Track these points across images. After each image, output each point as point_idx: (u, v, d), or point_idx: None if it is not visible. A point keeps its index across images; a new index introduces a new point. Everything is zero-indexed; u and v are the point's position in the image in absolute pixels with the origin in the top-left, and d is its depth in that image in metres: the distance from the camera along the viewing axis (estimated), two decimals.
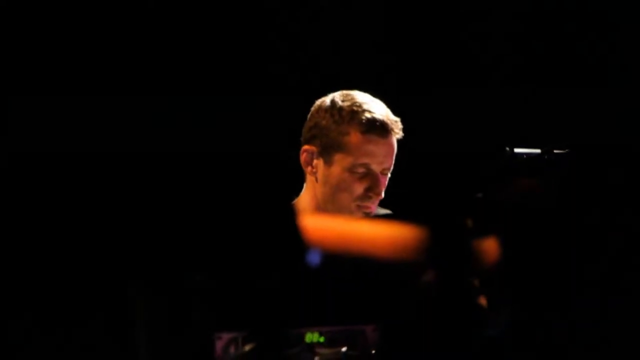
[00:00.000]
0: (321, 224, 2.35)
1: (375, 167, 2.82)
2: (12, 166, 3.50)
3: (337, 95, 2.88)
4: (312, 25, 4.02)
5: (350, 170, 2.82)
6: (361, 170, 2.82)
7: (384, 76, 3.81)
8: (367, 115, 2.82)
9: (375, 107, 2.85)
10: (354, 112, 2.83)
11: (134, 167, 3.64)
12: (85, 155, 3.62)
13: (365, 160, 2.82)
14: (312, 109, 2.92)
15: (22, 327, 2.87)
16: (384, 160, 2.83)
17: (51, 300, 2.77)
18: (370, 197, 2.83)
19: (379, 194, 2.82)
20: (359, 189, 2.82)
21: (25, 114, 3.59)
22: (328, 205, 2.85)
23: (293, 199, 2.95)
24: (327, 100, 2.89)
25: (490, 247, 2.22)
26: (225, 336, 2.13)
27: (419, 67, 4.10)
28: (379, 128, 2.82)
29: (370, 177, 2.82)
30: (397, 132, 2.84)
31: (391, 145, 2.84)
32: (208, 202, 2.36)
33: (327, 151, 2.84)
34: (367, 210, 2.83)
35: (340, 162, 2.83)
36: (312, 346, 2.15)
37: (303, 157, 2.88)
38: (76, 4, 3.68)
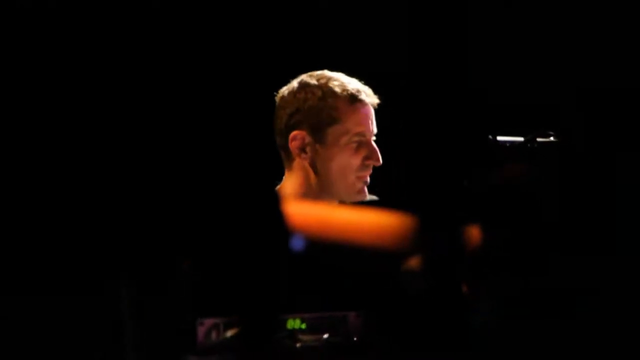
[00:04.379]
0: (306, 211, 2.35)
1: (368, 135, 2.86)
2: None
3: (305, 78, 2.90)
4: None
5: (347, 143, 2.84)
6: (356, 140, 2.85)
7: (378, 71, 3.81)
8: (349, 86, 2.86)
9: (349, 79, 2.90)
10: (335, 87, 2.86)
11: (115, 158, 3.63)
12: (66, 144, 3.61)
13: (359, 129, 2.85)
14: (283, 97, 2.90)
15: (7, 321, 2.86)
16: (371, 125, 2.88)
17: (36, 292, 2.76)
18: (368, 167, 2.87)
19: (378, 160, 2.87)
20: (357, 160, 2.85)
21: None
22: (325, 187, 2.85)
23: (276, 185, 2.94)
24: (294, 85, 2.89)
25: (474, 235, 2.22)
26: (207, 322, 2.13)
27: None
28: (362, 95, 2.87)
29: (365, 147, 2.86)
30: (375, 97, 2.90)
31: (372, 111, 2.90)
32: (191, 190, 2.35)
33: (319, 130, 2.85)
34: (366, 180, 2.87)
35: (335, 137, 2.85)
36: (293, 332, 2.14)
37: (294, 144, 2.87)
38: None
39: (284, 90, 2.91)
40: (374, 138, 2.89)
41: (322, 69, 2.94)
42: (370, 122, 2.88)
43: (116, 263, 2.34)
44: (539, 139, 2.38)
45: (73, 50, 3.69)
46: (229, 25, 3.95)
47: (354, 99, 2.85)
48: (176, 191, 2.37)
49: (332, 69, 2.94)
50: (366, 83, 2.92)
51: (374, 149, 2.86)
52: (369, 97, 2.88)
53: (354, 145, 2.85)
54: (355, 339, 2.15)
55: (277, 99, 2.92)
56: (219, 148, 3.85)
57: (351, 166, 2.85)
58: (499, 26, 4.10)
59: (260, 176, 3.36)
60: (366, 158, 2.86)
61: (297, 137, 2.87)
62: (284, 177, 2.93)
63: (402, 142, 2.97)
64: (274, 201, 2.27)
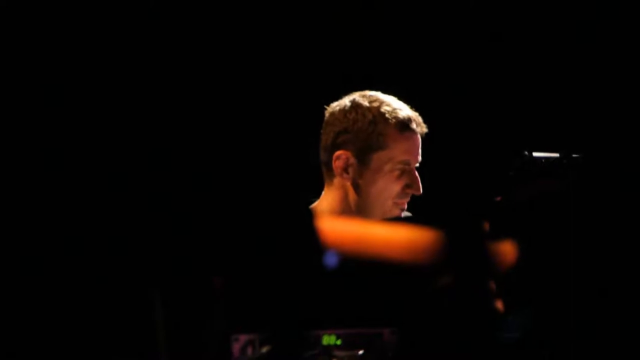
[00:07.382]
0: (339, 227, 2.35)
1: (413, 164, 2.86)
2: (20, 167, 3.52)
3: (358, 98, 2.88)
4: None
5: (391, 169, 2.84)
6: (399, 167, 2.84)
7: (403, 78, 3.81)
8: (400, 113, 2.85)
9: (400, 104, 2.89)
10: (386, 112, 2.85)
11: (155, 169, 3.65)
12: (101, 151, 3.63)
13: (405, 157, 2.85)
14: (333, 114, 2.89)
15: (38, 333, 2.88)
16: (418, 155, 2.88)
17: (69, 306, 2.78)
18: (407, 194, 2.86)
19: (419, 189, 2.87)
20: (397, 187, 2.85)
21: None
22: (363, 208, 2.85)
23: (312, 202, 2.95)
24: (346, 104, 2.87)
25: (508, 250, 2.22)
26: (243, 338, 2.13)
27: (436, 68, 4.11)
28: (413, 124, 2.86)
29: (408, 175, 2.86)
30: (424, 126, 2.89)
31: (419, 140, 2.89)
32: (227, 205, 2.36)
33: (364, 154, 2.84)
34: (403, 207, 2.87)
35: (379, 162, 2.85)
36: (329, 349, 2.14)
37: (337, 163, 2.87)
38: None
39: (335, 106, 2.91)
40: (417, 165, 2.88)
41: (359, 86, 2.94)
42: (416, 150, 2.87)
43: (151, 277, 2.35)
44: (574, 155, 2.37)
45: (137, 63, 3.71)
46: (273, 43, 3.96)
47: (403, 127, 2.85)
48: (211, 207, 2.39)
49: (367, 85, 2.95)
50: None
51: (416, 177, 2.86)
52: (419, 126, 2.87)
53: (397, 172, 2.84)
54: (390, 355, 2.15)
55: (327, 114, 2.91)
56: (254, 164, 3.86)
57: (391, 192, 2.84)
58: (534, 41, 4.10)
59: (295, 191, 3.36)
60: (407, 186, 2.85)
61: (341, 156, 2.87)
62: (322, 193, 2.93)
63: (436, 158, 2.96)
64: (308, 217, 2.28)
